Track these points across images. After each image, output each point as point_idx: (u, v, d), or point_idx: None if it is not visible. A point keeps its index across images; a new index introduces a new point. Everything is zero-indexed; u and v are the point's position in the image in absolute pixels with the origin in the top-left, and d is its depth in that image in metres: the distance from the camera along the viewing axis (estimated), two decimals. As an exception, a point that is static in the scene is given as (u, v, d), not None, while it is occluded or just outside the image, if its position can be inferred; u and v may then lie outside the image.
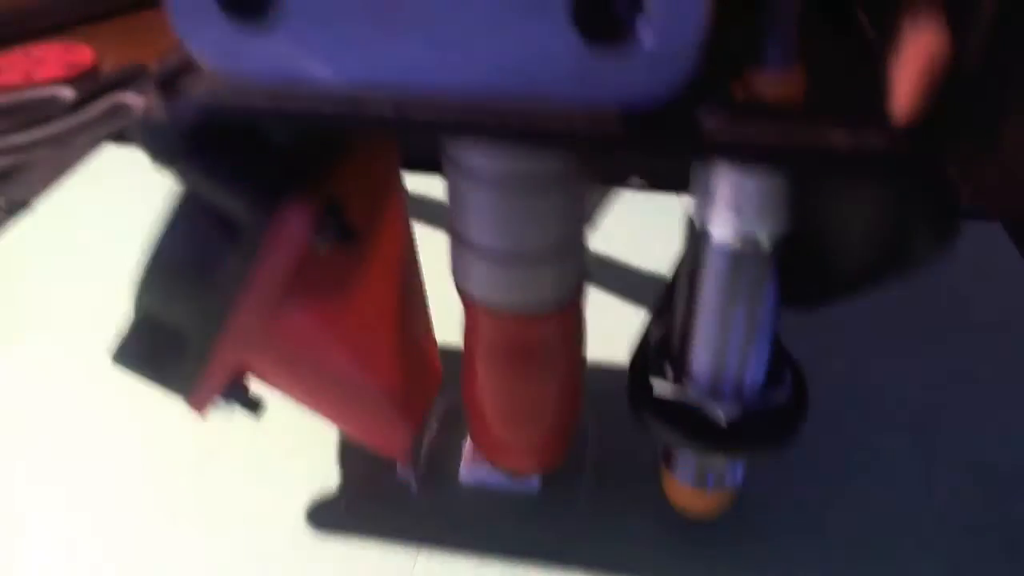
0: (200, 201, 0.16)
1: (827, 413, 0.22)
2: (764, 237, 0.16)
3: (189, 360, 0.19)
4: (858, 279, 0.17)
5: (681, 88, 0.13)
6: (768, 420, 0.19)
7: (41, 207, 0.41)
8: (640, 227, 0.36)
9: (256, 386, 0.20)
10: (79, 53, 0.58)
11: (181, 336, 0.18)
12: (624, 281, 0.32)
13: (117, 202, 0.40)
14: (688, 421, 0.18)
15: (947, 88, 0.12)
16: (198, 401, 0.19)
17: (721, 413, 0.18)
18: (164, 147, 0.15)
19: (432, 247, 0.22)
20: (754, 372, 0.18)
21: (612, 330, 0.24)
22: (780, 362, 0.19)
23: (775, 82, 0.14)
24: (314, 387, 0.20)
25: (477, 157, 0.16)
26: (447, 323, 0.22)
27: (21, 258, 0.37)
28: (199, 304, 0.17)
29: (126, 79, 0.55)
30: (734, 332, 0.18)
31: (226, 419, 0.20)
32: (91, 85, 0.55)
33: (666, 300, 0.20)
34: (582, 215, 0.18)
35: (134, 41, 0.61)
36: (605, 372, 0.22)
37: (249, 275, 0.17)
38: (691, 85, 0.13)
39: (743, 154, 0.14)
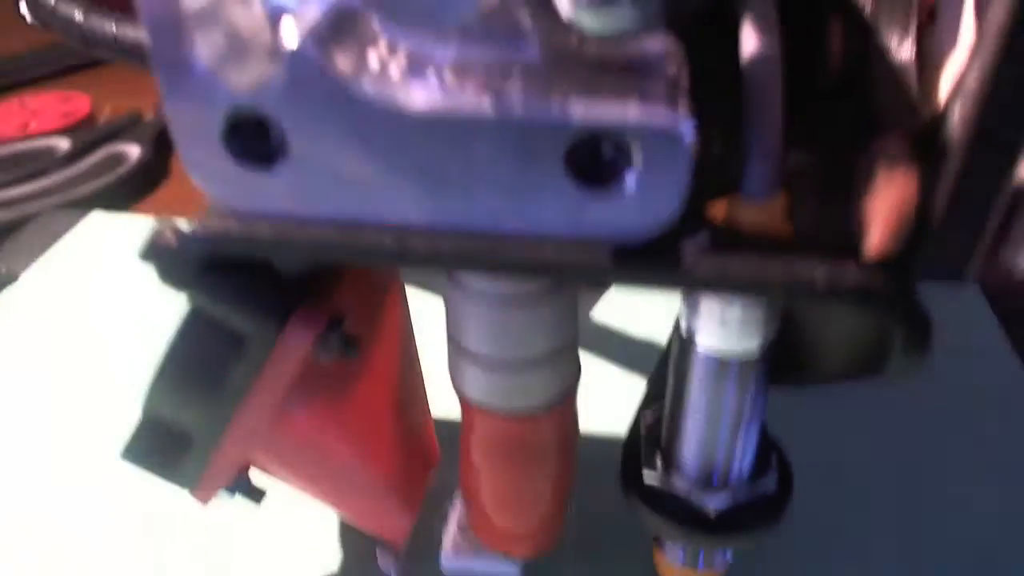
0: (208, 316, 0.17)
1: (807, 493, 0.22)
2: (750, 347, 0.17)
3: (194, 458, 0.19)
4: (834, 379, 0.18)
5: (668, 222, 0.14)
6: (755, 509, 0.19)
7: (29, 277, 0.41)
8: (637, 299, 0.36)
9: (257, 475, 0.21)
10: (75, 102, 0.58)
11: (187, 435, 0.19)
12: (620, 352, 0.33)
13: (106, 272, 0.41)
14: (677, 511, 0.19)
15: (917, 229, 0.13)
16: (203, 494, 0.20)
17: (710, 505, 0.19)
18: (173, 273, 0.16)
19: (432, 332, 0.22)
20: (741, 464, 0.19)
21: (605, 403, 0.25)
22: (766, 450, 0.20)
23: (756, 210, 0.15)
24: (315, 478, 0.21)
25: (470, 278, 0.16)
26: (444, 399, 0.22)
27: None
28: (206, 409, 0.18)
29: (122, 128, 0.56)
30: (722, 429, 0.18)
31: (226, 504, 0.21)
32: (87, 135, 0.55)
33: (656, 386, 0.21)
34: (574, 324, 0.18)
35: (130, 89, 0.62)
36: (596, 445, 0.22)
37: (254, 384, 0.17)
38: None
39: (724, 287, 0.14)
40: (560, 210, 0.14)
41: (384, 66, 0.14)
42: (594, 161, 0.14)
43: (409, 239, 0.15)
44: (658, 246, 0.14)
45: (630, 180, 0.14)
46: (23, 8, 0.35)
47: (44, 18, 0.33)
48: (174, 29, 0.13)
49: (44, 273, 0.41)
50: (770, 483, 0.19)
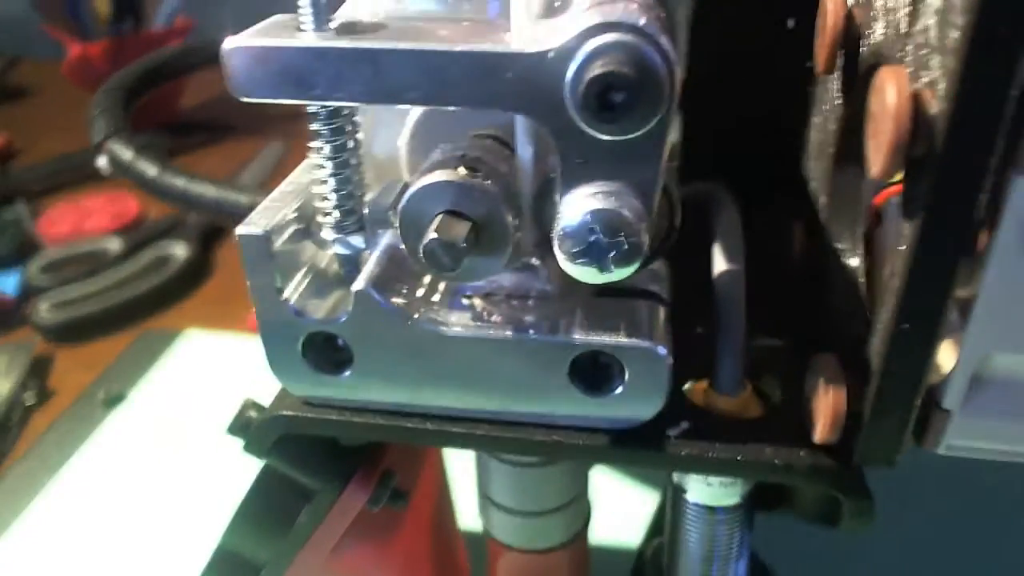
0: (281, 473, 0.21)
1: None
2: (732, 500, 0.21)
3: (261, 585, 0.23)
4: (806, 520, 0.21)
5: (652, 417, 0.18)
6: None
7: (135, 398, 0.45)
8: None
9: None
10: (125, 203, 0.63)
11: (256, 568, 0.22)
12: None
13: (205, 394, 0.45)
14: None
15: (852, 425, 0.17)
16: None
17: (700, 630, 0.22)
18: (256, 446, 0.19)
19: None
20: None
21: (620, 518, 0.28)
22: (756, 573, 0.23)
23: (728, 400, 0.19)
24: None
25: (497, 448, 0.20)
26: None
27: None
28: (274, 547, 0.22)
29: (169, 228, 0.61)
30: (711, 564, 0.22)
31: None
32: (137, 235, 0.60)
33: (658, 523, 0.24)
34: (581, 482, 0.22)
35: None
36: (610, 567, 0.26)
37: (316, 529, 0.21)
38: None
39: (700, 470, 0.18)
40: (566, 406, 0.18)
41: (428, 296, 0.18)
42: (594, 368, 0.18)
43: (449, 427, 0.18)
44: (647, 432, 0.18)
45: (620, 387, 0.17)
46: (101, 161, 0.40)
47: (121, 171, 0.38)
48: (267, 270, 0.17)
49: (149, 394, 0.45)
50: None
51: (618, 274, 0.16)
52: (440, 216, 0.16)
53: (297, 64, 0.15)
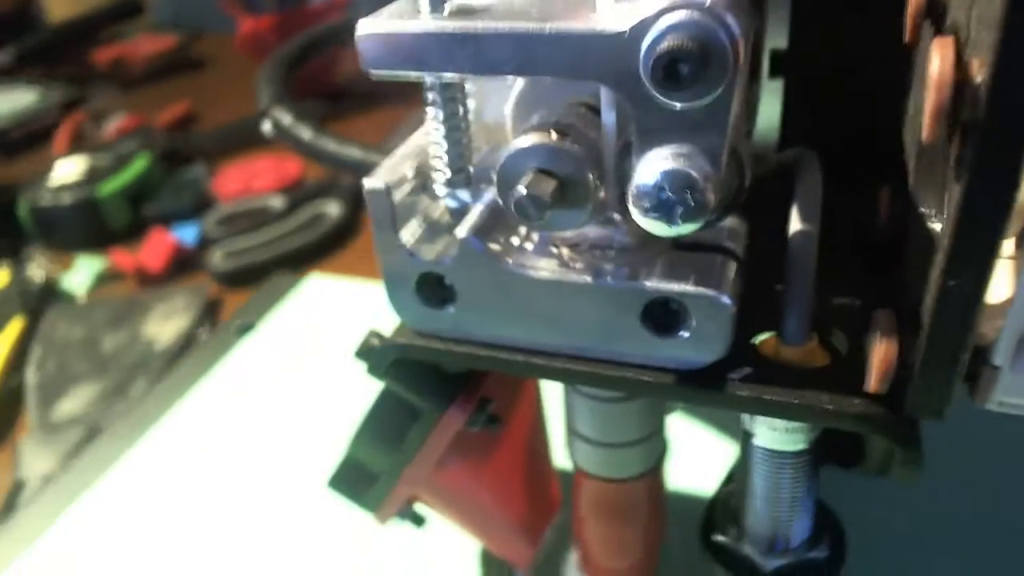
0: (396, 394, 0.24)
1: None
2: (797, 446, 0.22)
3: (378, 491, 0.26)
4: (869, 473, 0.22)
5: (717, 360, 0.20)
6: (808, 571, 0.24)
7: (264, 328, 0.51)
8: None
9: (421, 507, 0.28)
10: (289, 166, 0.70)
11: (375, 475, 0.26)
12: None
13: (323, 328, 0.50)
14: (741, 569, 0.24)
15: (903, 378, 0.18)
16: (381, 517, 0.27)
17: (767, 567, 0.24)
18: (376, 368, 0.23)
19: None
20: (797, 533, 0.24)
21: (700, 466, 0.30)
22: (822, 521, 0.24)
23: (793, 351, 0.20)
24: (462, 514, 0.27)
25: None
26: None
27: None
28: (390, 458, 0.25)
29: (325, 189, 0.67)
30: (778, 507, 0.23)
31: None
32: (297, 194, 0.67)
33: (736, 468, 0.26)
34: (657, 418, 0.24)
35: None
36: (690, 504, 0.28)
37: (422, 444, 0.24)
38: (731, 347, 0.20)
39: (756, 410, 0.20)
40: (639, 347, 0.20)
41: (522, 245, 0.21)
42: (665, 313, 0.20)
43: (533, 359, 0.21)
44: (711, 374, 0.20)
45: (685, 332, 0.19)
46: (265, 126, 0.45)
47: (281, 134, 0.43)
48: (388, 219, 0.21)
49: (275, 327, 0.51)
50: (822, 551, 0.24)
51: (686, 228, 0.18)
52: (530, 173, 0.18)
53: (414, 45, 0.18)
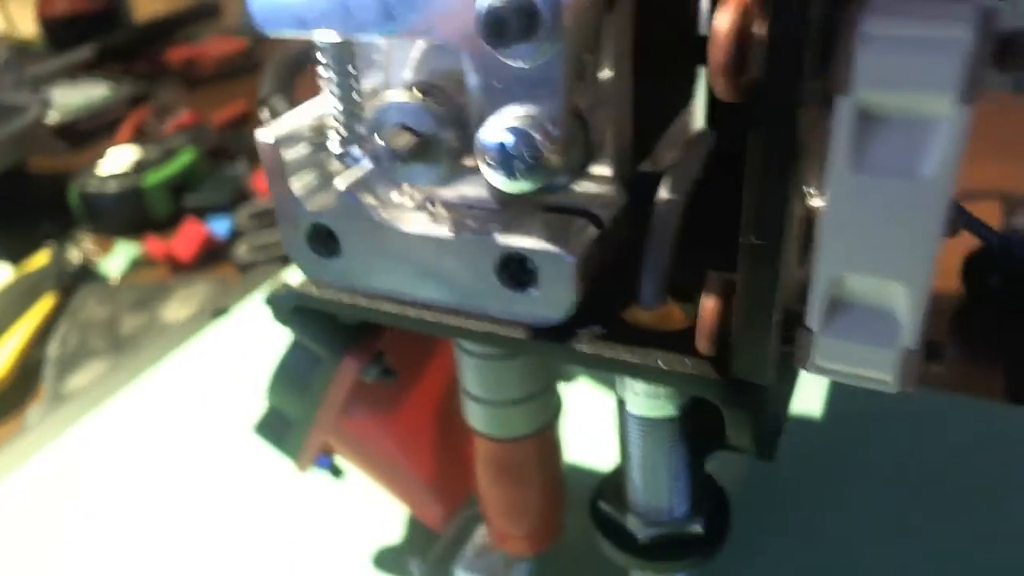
0: (303, 344, 0.26)
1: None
2: (664, 412, 0.22)
3: (294, 436, 0.28)
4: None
5: (571, 316, 0.20)
6: (683, 544, 0.24)
7: (236, 314, 0.54)
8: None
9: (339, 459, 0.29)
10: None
11: (290, 421, 0.28)
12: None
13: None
14: (617, 537, 0.25)
15: (727, 337, 0.18)
16: (301, 464, 0.29)
17: (639, 536, 0.24)
18: (279, 314, 0.25)
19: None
20: (671, 506, 0.24)
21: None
22: (701, 498, 0.25)
23: (649, 314, 0.21)
24: (373, 465, 0.29)
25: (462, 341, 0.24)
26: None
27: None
28: (300, 404, 0.27)
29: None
30: (652, 475, 0.24)
31: (319, 476, 0.30)
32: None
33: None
34: (540, 378, 0.25)
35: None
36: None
37: (327, 390, 0.26)
38: (588, 312, 0.21)
39: (599, 366, 0.20)
40: (500, 303, 0.21)
41: (402, 201, 0.22)
42: (521, 269, 0.21)
43: (408, 311, 0.22)
44: (564, 331, 0.21)
45: (536, 289, 0.20)
46: (263, 113, 0.48)
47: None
48: (277, 169, 0.22)
49: (249, 313, 0.54)
50: (698, 525, 0.24)
51: (526, 184, 0.19)
52: (392, 128, 0.20)
53: (295, 6, 0.20)
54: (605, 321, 0.21)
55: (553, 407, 0.26)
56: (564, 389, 0.28)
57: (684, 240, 0.21)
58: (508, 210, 0.21)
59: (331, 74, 0.22)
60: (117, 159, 0.73)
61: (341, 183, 0.22)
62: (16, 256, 0.63)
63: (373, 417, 0.27)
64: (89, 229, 0.71)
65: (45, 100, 0.79)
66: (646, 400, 0.22)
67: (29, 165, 0.76)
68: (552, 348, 0.21)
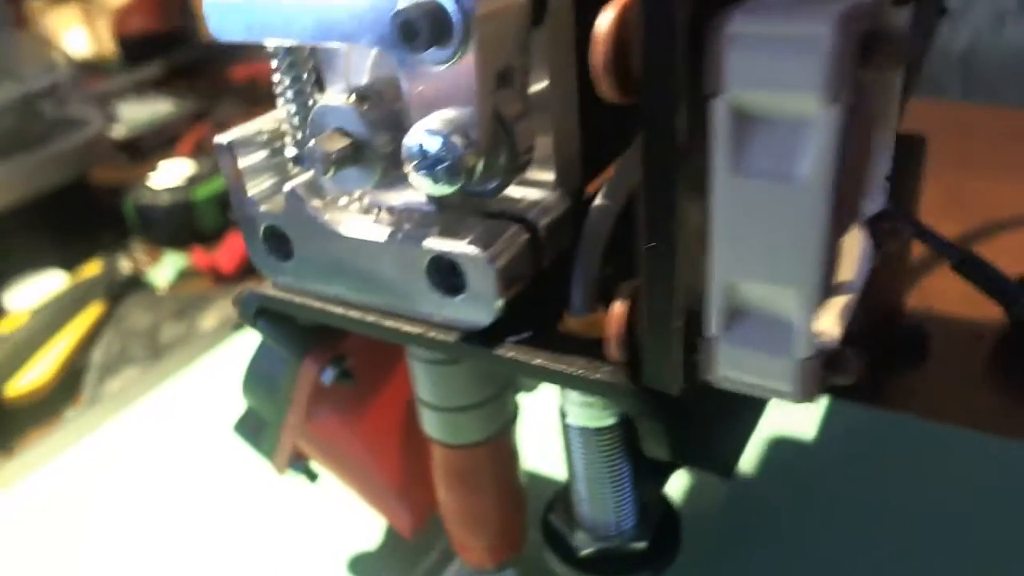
0: (269, 345, 0.27)
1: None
2: (602, 422, 0.22)
3: (270, 435, 0.29)
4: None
5: (500, 320, 0.20)
6: (626, 560, 0.24)
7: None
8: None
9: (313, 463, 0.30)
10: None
11: (264, 421, 0.29)
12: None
13: None
14: (560, 550, 0.24)
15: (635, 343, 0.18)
16: (278, 465, 0.30)
17: (581, 550, 0.24)
18: (245, 315, 0.26)
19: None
20: (614, 521, 0.24)
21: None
22: (648, 516, 0.24)
23: (576, 321, 0.21)
24: (343, 469, 0.29)
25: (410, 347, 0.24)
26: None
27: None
28: (271, 404, 0.28)
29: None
30: (590, 487, 0.23)
31: (293, 479, 0.31)
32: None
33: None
34: (489, 386, 0.25)
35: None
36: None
37: (290, 391, 0.27)
38: (522, 318, 0.21)
39: (520, 371, 0.20)
40: (434, 306, 0.21)
41: (348, 205, 0.23)
42: (452, 274, 0.21)
43: (350, 314, 0.23)
44: (492, 336, 0.21)
45: (463, 292, 0.20)
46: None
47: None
48: (232, 172, 0.23)
49: None
50: (642, 541, 0.24)
51: (445, 187, 0.19)
52: (328, 131, 0.20)
53: (242, 14, 0.21)
54: (536, 327, 0.21)
55: (507, 415, 0.26)
56: (525, 399, 0.28)
57: (620, 247, 0.21)
58: (446, 215, 0.22)
59: (283, 78, 0.23)
60: (171, 172, 0.77)
61: (289, 186, 0.22)
62: (72, 264, 0.67)
63: (340, 420, 0.28)
64: (141, 240, 0.74)
65: (109, 115, 0.83)
66: (582, 409, 0.22)
67: (91, 177, 0.81)
68: (478, 352, 0.21)
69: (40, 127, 0.76)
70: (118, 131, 0.90)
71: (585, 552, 0.24)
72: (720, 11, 0.14)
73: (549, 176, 0.23)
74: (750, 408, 0.24)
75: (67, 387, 0.55)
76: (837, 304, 0.19)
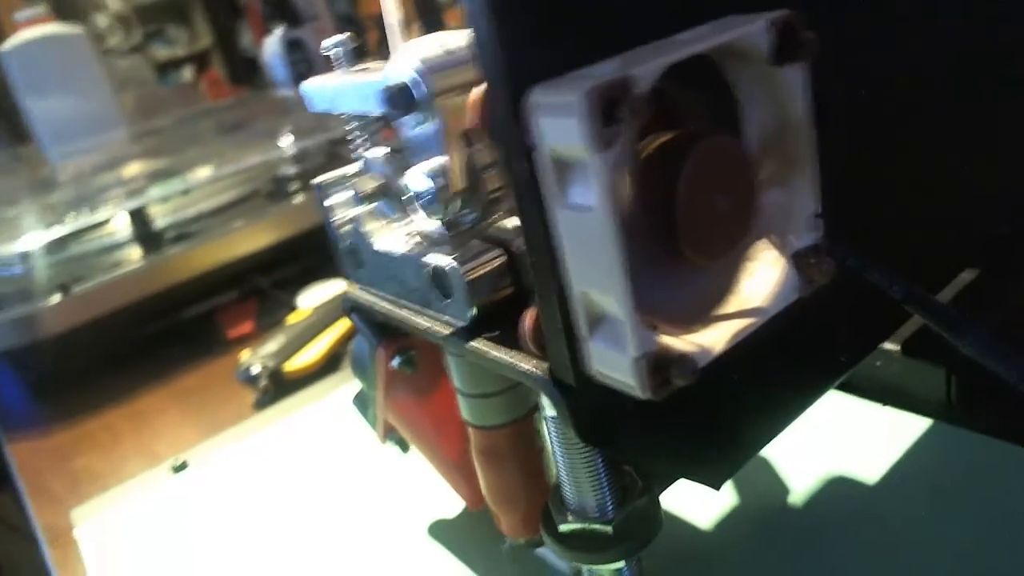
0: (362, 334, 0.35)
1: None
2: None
3: (372, 410, 0.37)
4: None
5: (476, 321, 0.26)
6: (592, 539, 0.27)
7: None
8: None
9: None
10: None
11: (369, 396, 0.37)
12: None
13: None
14: (549, 528, 0.28)
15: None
16: (380, 434, 0.38)
17: (561, 527, 0.28)
18: (344, 311, 0.34)
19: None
20: (591, 503, 0.27)
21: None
22: (622, 500, 0.27)
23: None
24: (417, 441, 0.36)
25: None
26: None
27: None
28: (366, 383, 0.36)
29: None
30: (568, 472, 0.27)
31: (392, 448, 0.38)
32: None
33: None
34: (504, 378, 0.30)
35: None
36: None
37: (375, 374, 0.34)
38: (498, 321, 0.26)
39: (479, 360, 0.25)
40: (438, 305, 0.27)
41: (398, 230, 0.30)
42: (444, 283, 0.27)
43: (393, 310, 0.30)
44: (471, 332, 0.26)
45: (451, 298, 0.26)
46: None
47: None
48: (326, 207, 0.31)
49: None
50: (617, 523, 0.27)
51: (433, 215, 0.25)
52: (367, 175, 0.28)
53: (319, 93, 0.29)
54: (506, 329, 0.26)
55: (528, 402, 0.31)
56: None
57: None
58: (455, 239, 0.28)
59: (357, 139, 0.31)
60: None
61: (353, 213, 0.30)
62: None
63: (413, 400, 0.35)
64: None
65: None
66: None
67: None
68: (457, 344, 0.26)
69: (337, 163, 0.94)
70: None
71: (563, 528, 0.28)
72: (535, 86, 0.19)
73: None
74: (752, 424, 0.26)
75: (329, 368, 0.65)
76: (734, 326, 0.22)
